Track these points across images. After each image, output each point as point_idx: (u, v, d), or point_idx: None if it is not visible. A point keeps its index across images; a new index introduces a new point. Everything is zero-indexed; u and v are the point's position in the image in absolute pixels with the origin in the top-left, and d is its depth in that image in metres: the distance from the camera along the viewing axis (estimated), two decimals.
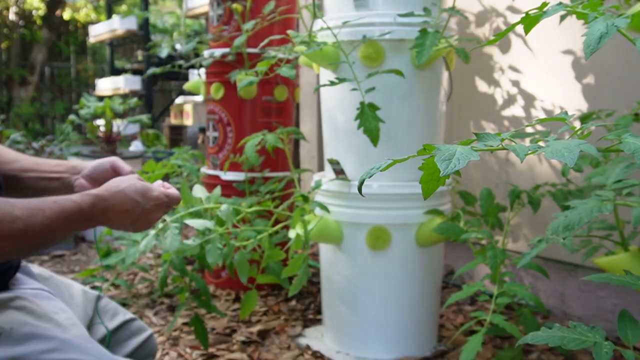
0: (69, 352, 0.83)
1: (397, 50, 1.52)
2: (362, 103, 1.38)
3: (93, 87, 6.99)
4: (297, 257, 1.50)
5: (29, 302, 0.89)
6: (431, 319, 1.69)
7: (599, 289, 1.82)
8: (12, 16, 9.24)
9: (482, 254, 1.45)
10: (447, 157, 0.52)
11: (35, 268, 1.04)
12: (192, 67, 2.41)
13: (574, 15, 0.75)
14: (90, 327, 1.06)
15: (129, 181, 0.92)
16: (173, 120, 5.69)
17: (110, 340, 1.06)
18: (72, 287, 1.08)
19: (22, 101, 8.90)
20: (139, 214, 0.91)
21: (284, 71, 1.42)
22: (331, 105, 1.65)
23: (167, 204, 0.95)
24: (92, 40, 6.39)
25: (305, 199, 1.63)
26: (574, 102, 1.81)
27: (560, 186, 1.59)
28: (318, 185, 1.61)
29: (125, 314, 1.11)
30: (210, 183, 2.24)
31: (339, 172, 1.63)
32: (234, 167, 2.16)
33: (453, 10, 1.48)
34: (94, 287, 2.07)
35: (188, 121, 5.35)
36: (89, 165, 1.03)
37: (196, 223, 1.50)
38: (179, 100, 5.68)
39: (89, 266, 2.64)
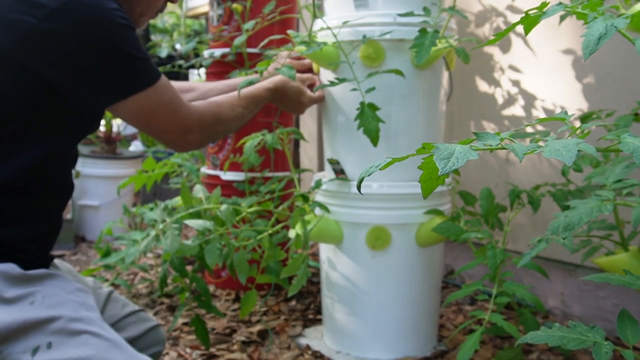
0: (93, 326, 0.91)
1: (397, 50, 1.52)
2: (362, 103, 1.38)
3: None
4: (297, 258, 1.50)
5: (64, 279, 0.99)
6: (431, 318, 1.69)
7: (599, 289, 1.82)
8: None
9: (482, 254, 1.45)
10: (445, 155, 0.53)
11: (55, 260, 1.12)
12: (192, 67, 2.41)
13: (574, 15, 0.75)
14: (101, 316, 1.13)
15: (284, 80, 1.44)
16: None
17: (119, 324, 1.17)
18: (85, 279, 1.19)
19: None
20: (300, 96, 1.47)
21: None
22: (331, 105, 1.65)
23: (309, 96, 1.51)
24: None
25: (306, 198, 1.63)
26: (574, 101, 1.81)
27: (560, 186, 1.59)
28: (318, 185, 1.61)
29: (134, 306, 1.22)
30: (210, 183, 2.24)
31: (339, 172, 1.63)
32: (234, 167, 2.16)
33: (453, 10, 1.48)
34: None
35: None
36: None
37: (195, 223, 1.50)
38: None
39: (89, 266, 2.64)
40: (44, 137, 0.98)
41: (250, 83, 1.39)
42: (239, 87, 1.33)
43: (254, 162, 1.99)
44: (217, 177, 2.22)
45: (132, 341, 1.15)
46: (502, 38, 0.78)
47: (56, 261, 1.10)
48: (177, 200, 2.17)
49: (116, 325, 1.15)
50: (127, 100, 1.03)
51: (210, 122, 1.19)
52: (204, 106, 1.19)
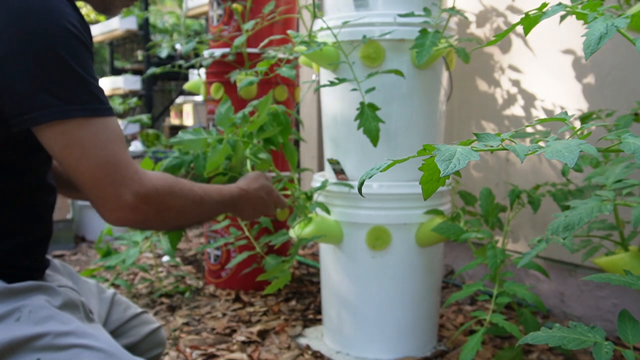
0: (84, 339, 0.87)
1: (397, 50, 1.52)
2: (362, 103, 1.38)
3: None
4: (278, 262, 1.49)
5: (53, 291, 0.93)
6: (431, 318, 1.69)
7: (599, 289, 1.82)
8: None
9: (482, 254, 1.45)
10: (447, 157, 0.52)
11: (57, 262, 1.10)
12: (192, 67, 2.41)
13: (574, 15, 0.75)
14: (105, 321, 1.12)
15: (260, 181, 1.21)
16: (173, 120, 5.69)
17: (122, 328, 1.15)
18: (88, 282, 1.15)
19: None
20: (262, 207, 1.21)
21: (284, 71, 1.42)
22: (331, 105, 1.65)
23: (278, 204, 1.27)
24: None
25: (309, 197, 1.63)
26: (574, 101, 1.81)
27: (560, 186, 1.59)
28: (324, 186, 1.60)
29: (136, 308, 1.19)
30: None
31: (339, 172, 1.63)
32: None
33: (453, 10, 1.48)
34: None
35: (188, 121, 5.35)
36: None
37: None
38: (179, 100, 5.68)
39: (89, 266, 2.64)
40: None
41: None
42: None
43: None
44: None
45: (134, 345, 1.14)
46: (502, 39, 0.78)
47: (57, 264, 1.08)
48: None
49: (119, 330, 1.13)
50: (55, 126, 0.82)
51: (164, 192, 0.93)
52: (157, 173, 0.97)
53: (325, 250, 1.70)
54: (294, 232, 1.55)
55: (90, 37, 0.88)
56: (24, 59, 0.80)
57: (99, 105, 0.86)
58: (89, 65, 0.85)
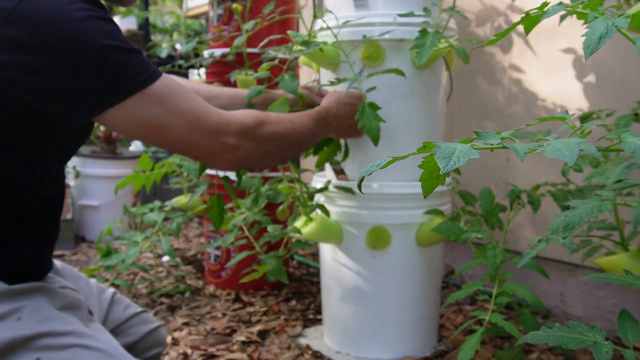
0: (84, 339, 0.87)
1: (397, 50, 1.52)
2: (362, 102, 1.38)
3: None
4: (272, 255, 1.52)
5: (53, 292, 0.94)
6: (431, 318, 1.69)
7: (599, 289, 1.82)
8: None
9: (482, 254, 1.45)
10: (447, 154, 0.52)
11: (57, 263, 1.10)
12: (192, 67, 2.40)
13: (575, 15, 0.75)
14: (104, 320, 1.13)
15: (336, 94, 1.27)
16: None
17: (121, 327, 1.16)
18: (89, 281, 1.16)
19: None
20: (354, 113, 1.26)
21: (286, 83, 1.41)
22: None
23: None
24: None
25: (311, 196, 1.62)
26: (574, 101, 1.81)
27: (560, 186, 1.59)
28: (326, 188, 1.60)
29: (136, 308, 1.20)
30: (210, 183, 2.23)
31: (339, 172, 1.63)
32: None
33: (453, 10, 1.48)
34: None
35: None
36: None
37: None
38: None
39: (89, 266, 2.63)
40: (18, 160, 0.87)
41: (259, 92, 1.39)
42: (247, 96, 1.32)
43: None
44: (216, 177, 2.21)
45: (134, 344, 1.14)
46: (502, 38, 0.78)
47: (58, 264, 1.09)
48: (178, 201, 2.17)
49: (118, 328, 1.14)
50: (115, 111, 0.83)
51: (253, 124, 0.94)
52: (239, 111, 0.96)
53: (325, 250, 1.70)
54: (294, 232, 1.55)
55: (106, 10, 0.87)
56: (63, 67, 0.80)
57: (154, 69, 0.85)
58: (122, 35, 0.84)
